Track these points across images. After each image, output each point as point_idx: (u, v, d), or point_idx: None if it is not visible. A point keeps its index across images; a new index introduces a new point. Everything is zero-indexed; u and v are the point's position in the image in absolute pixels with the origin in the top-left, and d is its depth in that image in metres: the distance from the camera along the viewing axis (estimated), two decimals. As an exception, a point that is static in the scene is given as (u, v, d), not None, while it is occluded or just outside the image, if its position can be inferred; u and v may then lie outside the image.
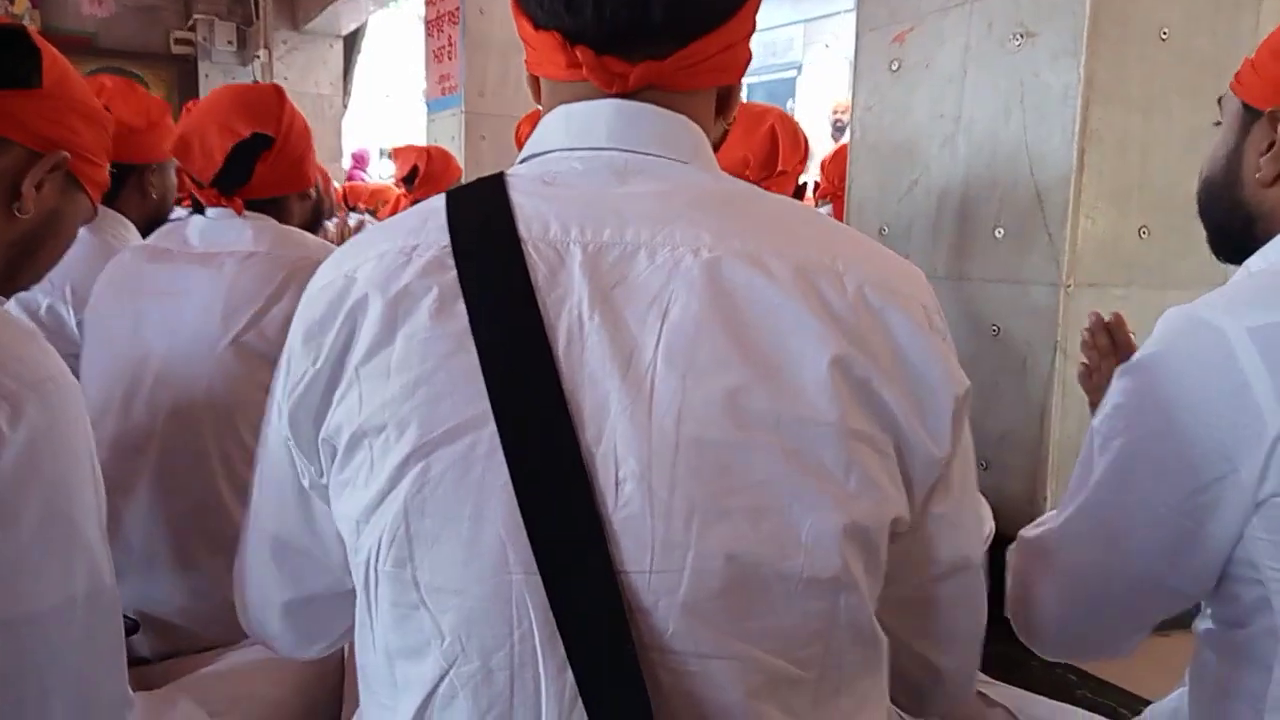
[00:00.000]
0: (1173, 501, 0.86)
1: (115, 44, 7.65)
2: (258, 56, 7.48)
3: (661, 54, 0.74)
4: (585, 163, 0.75)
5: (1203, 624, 0.95)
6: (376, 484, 0.67)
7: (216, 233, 1.52)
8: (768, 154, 2.06)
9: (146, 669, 1.37)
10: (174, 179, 2.19)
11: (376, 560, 0.68)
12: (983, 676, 1.26)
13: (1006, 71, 1.80)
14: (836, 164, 3.45)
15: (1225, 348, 0.82)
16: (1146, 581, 0.92)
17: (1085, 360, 1.34)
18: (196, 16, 7.72)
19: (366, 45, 8.40)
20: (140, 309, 1.46)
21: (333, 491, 0.73)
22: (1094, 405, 1.29)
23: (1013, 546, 1.06)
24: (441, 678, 0.68)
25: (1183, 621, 0.99)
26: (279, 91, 1.60)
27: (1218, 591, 0.90)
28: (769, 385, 0.66)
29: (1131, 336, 1.30)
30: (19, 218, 1.00)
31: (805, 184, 2.43)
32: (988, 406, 1.84)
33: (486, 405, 0.65)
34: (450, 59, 4.89)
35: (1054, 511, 1.03)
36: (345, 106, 8.25)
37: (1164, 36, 1.72)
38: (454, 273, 0.69)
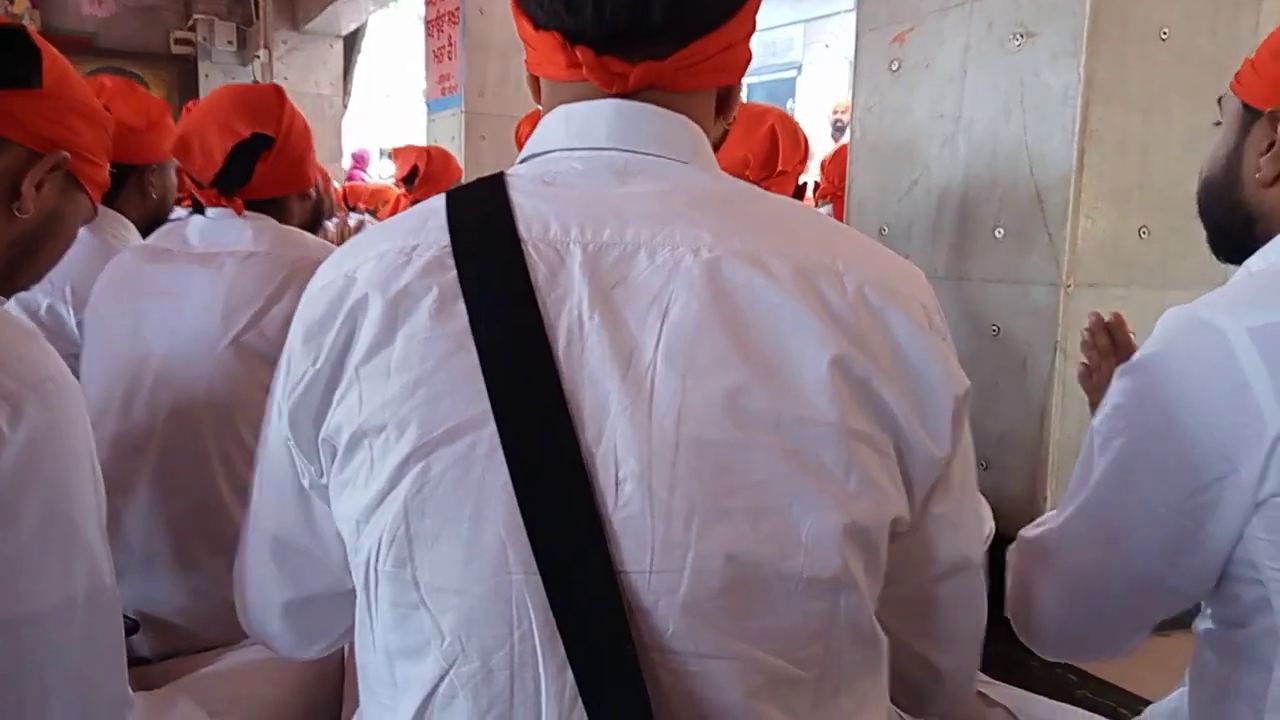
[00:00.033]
0: (1173, 501, 0.86)
1: (115, 44, 7.65)
2: (258, 56, 7.48)
3: (661, 54, 0.74)
4: (585, 163, 0.75)
5: (1203, 624, 0.95)
6: (376, 484, 0.67)
7: (216, 233, 1.52)
8: (768, 154, 2.06)
9: (146, 669, 1.37)
10: (174, 179, 2.19)
11: (376, 560, 0.68)
12: (983, 676, 1.26)
13: (1006, 71, 1.80)
14: (836, 164, 3.45)
15: (1225, 348, 0.82)
16: (1146, 581, 0.92)
17: (1085, 360, 1.34)
18: (196, 16, 7.72)
19: (366, 45, 8.40)
20: (140, 309, 1.46)
21: (333, 491, 0.73)
22: (1094, 405, 1.29)
23: (1012, 546, 1.06)
24: (441, 678, 0.68)
25: (1183, 621, 0.99)
26: (279, 91, 1.60)
27: (1218, 591, 0.90)
28: (769, 385, 0.66)
29: (1131, 337, 1.30)
30: (19, 218, 1.00)
31: (805, 184, 2.43)
32: (988, 406, 1.84)
33: (486, 405, 0.65)
34: (450, 59, 4.89)
35: (1054, 511, 1.03)
36: (345, 106, 8.25)
37: (1164, 36, 1.72)
38: (454, 273, 0.69)
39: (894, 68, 2.06)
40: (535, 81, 0.82)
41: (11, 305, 1.75)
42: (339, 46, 7.96)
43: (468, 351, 0.67)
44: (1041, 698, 1.23)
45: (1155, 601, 0.95)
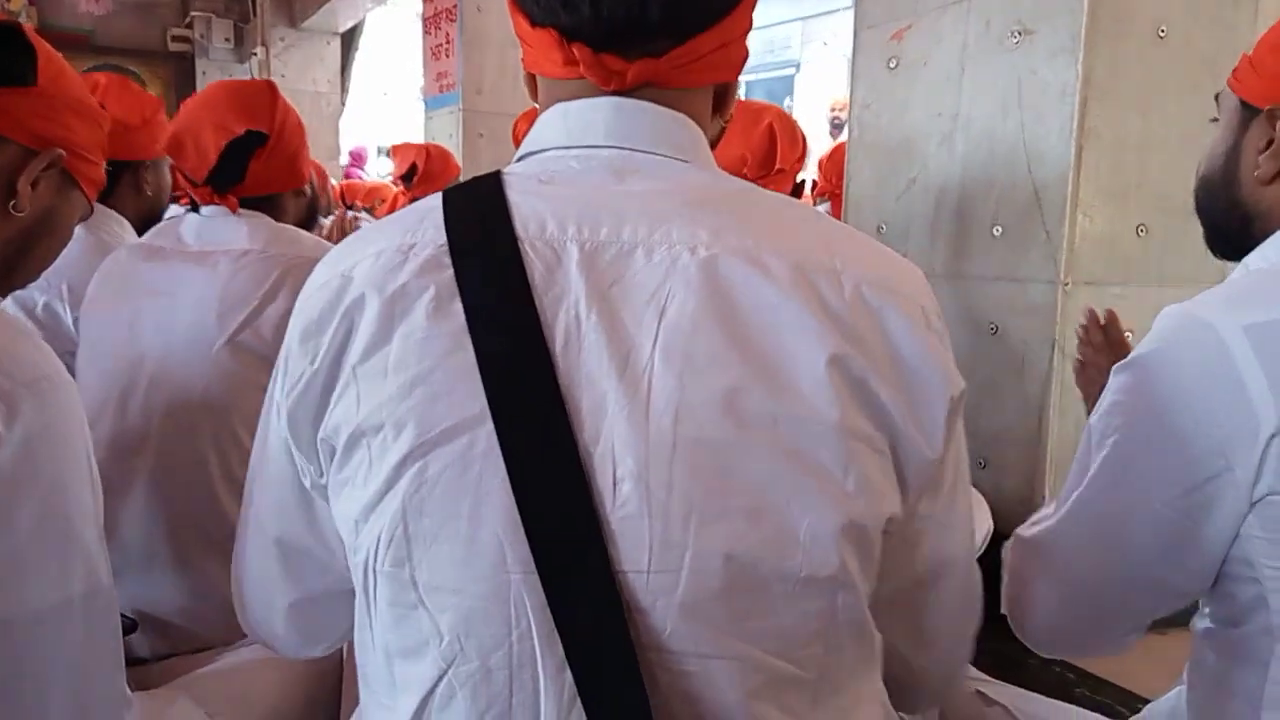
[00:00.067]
0: (1169, 499, 0.86)
1: (112, 41, 7.63)
2: (255, 54, 7.47)
3: (659, 51, 0.73)
4: (582, 161, 0.75)
5: (1200, 622, 0.95)
6: (374, 484, 0.67)
7: (211, 231, 1.51)
8: (766, 152, 2.06)
9: (144, 669, 1.37)
10: (168, 176, 2.18)
11: (375, 560, 0.68)
12: (981, 675, 1.26)
13: (1004, 69, 1.79)
14: (834, 162, 3.45)
15: (1220, 346, 0.82)
16: (1142, 580, 0.92)
17: (1080, 356, 1.34)
18: (194, 14, 7.71)
19: (364, 43, 8.39)
20: (135, 308, 1.46)
21: (331, 491, 0.73)
22: (1088, 400, 1.29)
23: (1009, 543, 1.06)
24: (440, 677, 0.68)
25: (1181, 620, 0.99)
26: (271, 87, 1.58)
27: (1214, 590, 0.90)
28: (766, 384, 0.65)
29: (1127, 336, 1.30)
30: (15, 216, 1.00)
31: (803, 182, 2.43)
32: (986, 405, 1.84)
33: (484, 404, 0.65)
34: (448, 56, 4.89)
35: (1049, 508, 1.03)
36: (343, 104, 8.23)
37: (1162, 34, 1.72)
38: (451, 271, 0.69)
39: (892, 65, 2.05)
40: (532, 79, 0.82)
41: (8, 304, 1.74)
42: (336, 44, 7.95)
43: (465, 351, 0.66)
44: (1040, 696, 1.23)
45: (1151, 599, 0.95)
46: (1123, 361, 0.92)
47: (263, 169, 1.53)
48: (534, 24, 0.75)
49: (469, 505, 0.65)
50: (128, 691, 0.93)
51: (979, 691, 1.20)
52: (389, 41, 10.04)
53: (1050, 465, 1.77)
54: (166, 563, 1.40)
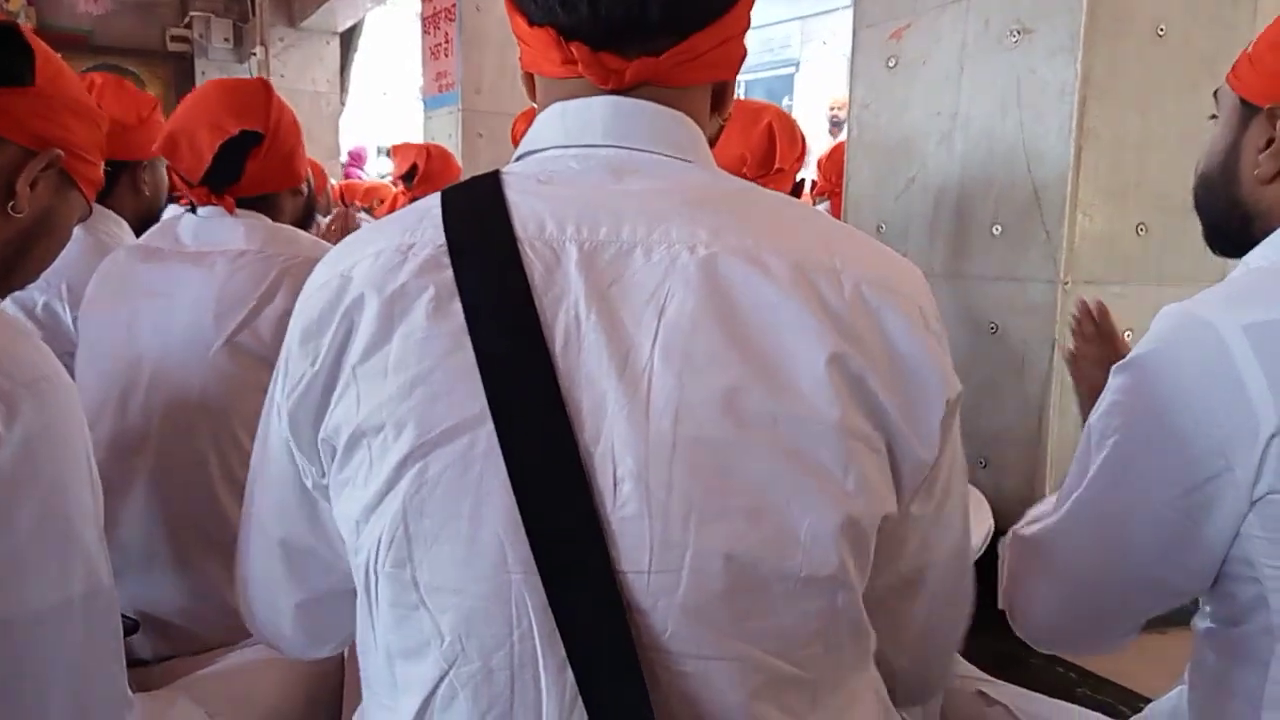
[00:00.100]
0: (1169, 499, 0.86)
1: (111, 41, 7.62)
2: (254, 54, 7.46)
3: (657, 50, 0.73)
4: (581, 161, 0.75)
5: (1201, 622, 0.95)
6: (375, 484, 0.67)
7: (208, 231, 1.50)
8: (765, 152, 2.06)
9: (145, 670, 1.37)
10: (165, 175, 2.18)
11: (376, 561, 0.68)
12: (983, 674, 1.26)
13: (1003, 68, 1.79)
14: (834, 161, 3.44)
15: (1220, 346, 0.82)
16: (1143, 580, 0.92)
17: (1072, 347, 1.34)
18: (193, 13, 7.70)
19: (363, 42, 8.38)
20: (133, 310, 1.45)
21: (333, 491, 0.73)
22: (1079, 391, 1.28)
23: (1006, 541, 1.06)
24: (442, 678, 0.68)
25: (1182, 619, 0.99)
26: (266, 86, 1.57)
27: (1215, 589, 0.90)
28: (766, 384, 0.65)
29: (1126, 335, 1.30)
30: (13, 217, 1.00)
31: (802, 181, 2.43)
32: (986, 404, 1.84)
33: (484, 405, 0.65)
34: (447, 56, 4.88)
35: (1044, 506, 1.03)
36: (342, 104, 8.23)
37: (1160, 33, 1.72)
38: (450, 271, 0.69)
39: (891, 65, 2.05)
40: (530, 78, 0.82)
41: (8, 304, 1.74)
42: (336, 43, 7.94)
43: (465, 351, 0.66)
44: (1041, 696, 1.23)
45: (1151, 599, 0.95)
46: (1122, 361, 0.92)
47: (259, 168, 1.52)
48: (532, 23, 0.75)
49: (469, 505, 0.65)
50: (129, 692, 0.93)
51: (980, 691, 1.20)
52: (388, 41, 10.04)
53: (1050, 465, 1.77)
54: (167, 564, 1.40)
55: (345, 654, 1.31)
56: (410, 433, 0.66)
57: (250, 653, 1.35)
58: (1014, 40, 1.76)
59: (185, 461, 1.40)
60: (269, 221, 1.53)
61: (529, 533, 0.64)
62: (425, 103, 5.21)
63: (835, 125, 6.61)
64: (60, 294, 1.93)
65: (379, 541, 0.68)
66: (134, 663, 1.30)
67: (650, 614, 0.65)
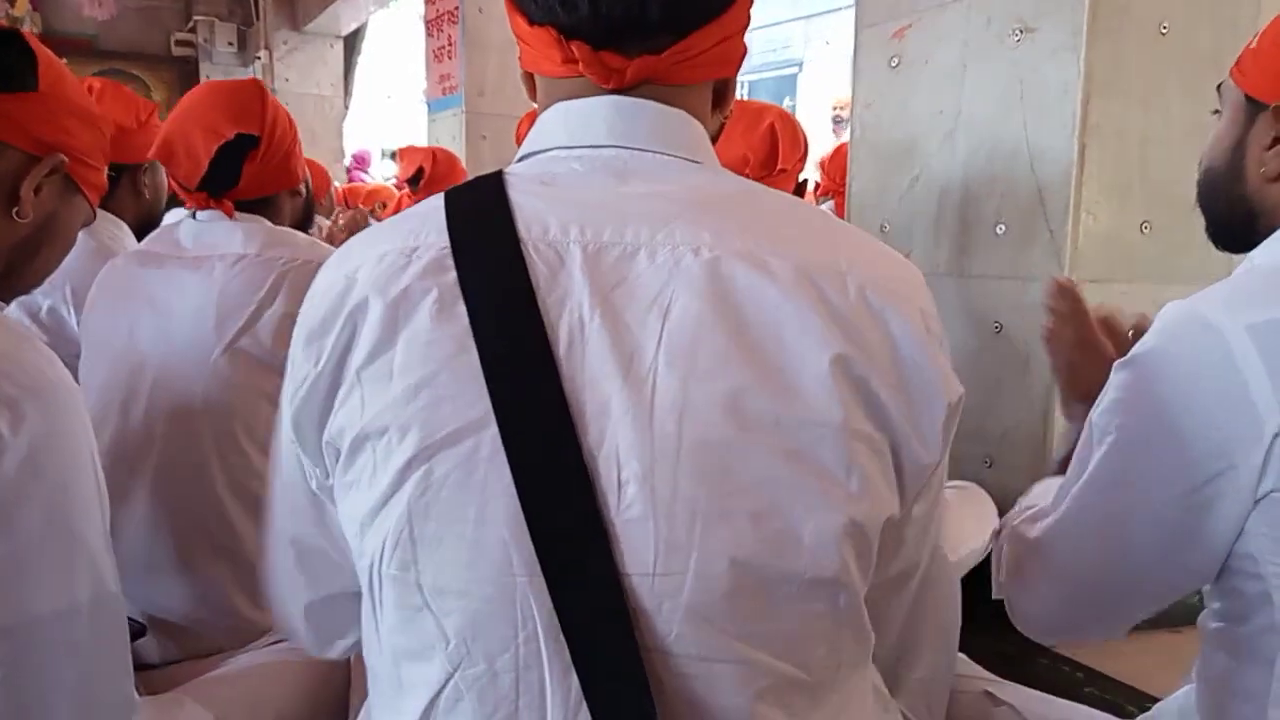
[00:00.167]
0: (1169, 499, 0.86)
1: (116, 46, 7.64)
2: (258, 57, 7.47)
3: (658, 48, 0.73)
4: (584, 162, 0.75)
5: (1207, 621, 0.94)
6: (379, 487, 0.67)
7: (207, 235, 1.50)
8: (768, 152, 2.06)
9: (152, 673, 1.38)
10: (165, 178, 2.17)
11: (380, 563, 0.69)
12: (989, 675, 1.26)
13: (1006, 67, 1.79)
14: (837, 161, 3.44)
15: (1223, 347, 0.81)
16: (1144, 579, 0.92)
17: (1047, 325, 1.32)
18: (197, 18, 7.72)
19: (367, 46, 8.39)
20: (134, 315, 1.46)
21: (338, 494, 0.73)
22: (1055, 371, 1.27)
23: (1003, 534, 1.06)
24: (447, 680, 0.68)
25: (1189, 618, 0.99)
26: (259, 87, 1.56)
27: (1220, 585, 0.90)
28: (770, 386, 0.65)
29: (1130, 334, 1.29)
30: (18, 222, 1.00)
31: (805, 181, 2.42)
32: (990, 403, 1.83)
33: (488, 407, 0.65)
34: (450, 58, 4.89)
35: (1040, 500, 1.03)
36: (346, 107, 8.24)
37: (1164, 30, 1.72)
38: (454, 274, 0.69)
39: (893, 64, 2.05)
40: (530, 78, 0.82)
41: (12, 308, 1.75)
42: (339, 47, 7.95)
43: (469, 353, 0.66)
44: (1048, 695, 1.23)
45: (1151, 596, 0.95)
46: (1124, 358, 0.91)
47: (256, 171, 1.52)
48: (532, 22, 0.75)
49: (474, 508, 0.65)
50: (136, 696, 0.93)
51: (987, 692, 1.20)
52: (392, 44, 10.05)
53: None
54: (171, 569, 1.40)
55: (351, 657, 1.31)
56: (415, 436, 0.66)
57: (257, 655, 1.36)
58: (1016, 39, 1.76)
59: (188, 467, 1.40)
60: (268, 224, 1.53)
61: (533, 535, 0.65)
62: (429, 105, 5.22)
63: (838, 125, 6.61)
64: (65, 297, 1.93)
65: (383, 544, 0.68)
66: (141, 666, 1.30)
67: (655, 616, 0.65)
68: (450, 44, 4.87)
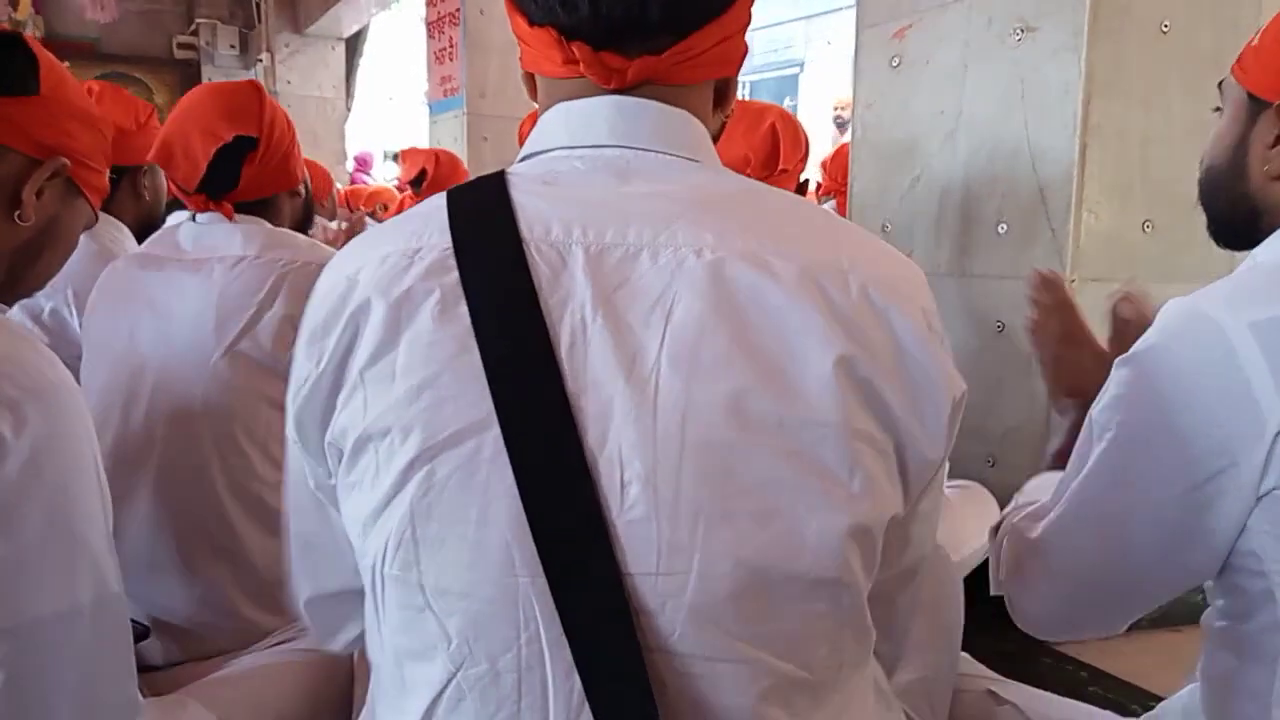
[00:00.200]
0: (1170, 498, 0.86)
1: (118, 49, 7.65)
2: (260, 60, 7.49)
3: (658, 48, 0.73)
4: (586, 162, 0.75)
5: (1211, 619, 0.94)
6: (382, 488, 0.67)
7: (207, 237, 1.50)
8: (769, 153, 2.06)
9: (156, 675, 1.38)
10: (164, 180, 2.17)
11: (383, 563, 0.69)
12: (992, 674, 1.26)
13: (1007, 67, 1.79)
14: (839, 161, 3.44)
15: (1225, 344, 0.81)
16: (1145, 578, 0.92)
17: (1031, 316, 1.32)
18: (199, 21, 7.74)
19: (368, 48, 8.40)
20: (134, 318, 1.46)
21: (340, 494, 0.73)
22: (1041, 363, 1.27)
23: (1002, 531, 1.06)
24: (449, 680, 0.68)
25: (1193, 618, 0.99)
26: (257, 88, 1.56)
27: (1223, 581, 0.89)
28: (772, 387, 0.65)
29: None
30: (20, 225, 1.00)
31: (806, 181, 2.42)
32: (993, 403, 1.83)
33: (490, 408, 0.65)
34: (451, 60, 4.89)
35: (1035, 486, 1.03)
36: (348, 109, 8.25)
37: (1165, 29, 1.72)
38: (456, 274, 0.69)
39: (894, 64, 2.05)
40: (531, 79, 0.82)
41: (14, 311, 1.75)
42: (341, 49, 7.96)
43: (471, 353, 0.66)
44: (1051, 695, 1.23)
45: (1151, 594, 0.95)
46: (1125, 355, 0.91)
47: (255, 173, 1.51)
48: (532, 23, 0.75)
49: (476, 509, 0.65)
50: (139, 697, 0.93)
51: (990, 691, 1.20)
52: (393, 46, 10.06)
53: (1058, 462, 1.76)
54: (173, 571, 1.40)
55: (355, 657, 1.31)
56: (417, 436, 0.66)
57: (260, 657, 1.36)
58: (1017, 39, 1.76)
59: (189, 469, 1.40)
60: (267, 226, 1.53)
61: (535, 536, 0.65)
62: (430, 107, 5.23)
63: (840, 125, 6.61)
64: (67, 299, 1.94)
65: (386, 545, 0.68)
66: (145, 668, 1.30)
67: (658, 616, 0.65)
68: (451, 46, 4.88)
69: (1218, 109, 1.03)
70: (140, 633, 1.35)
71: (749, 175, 1.97)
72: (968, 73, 1.88)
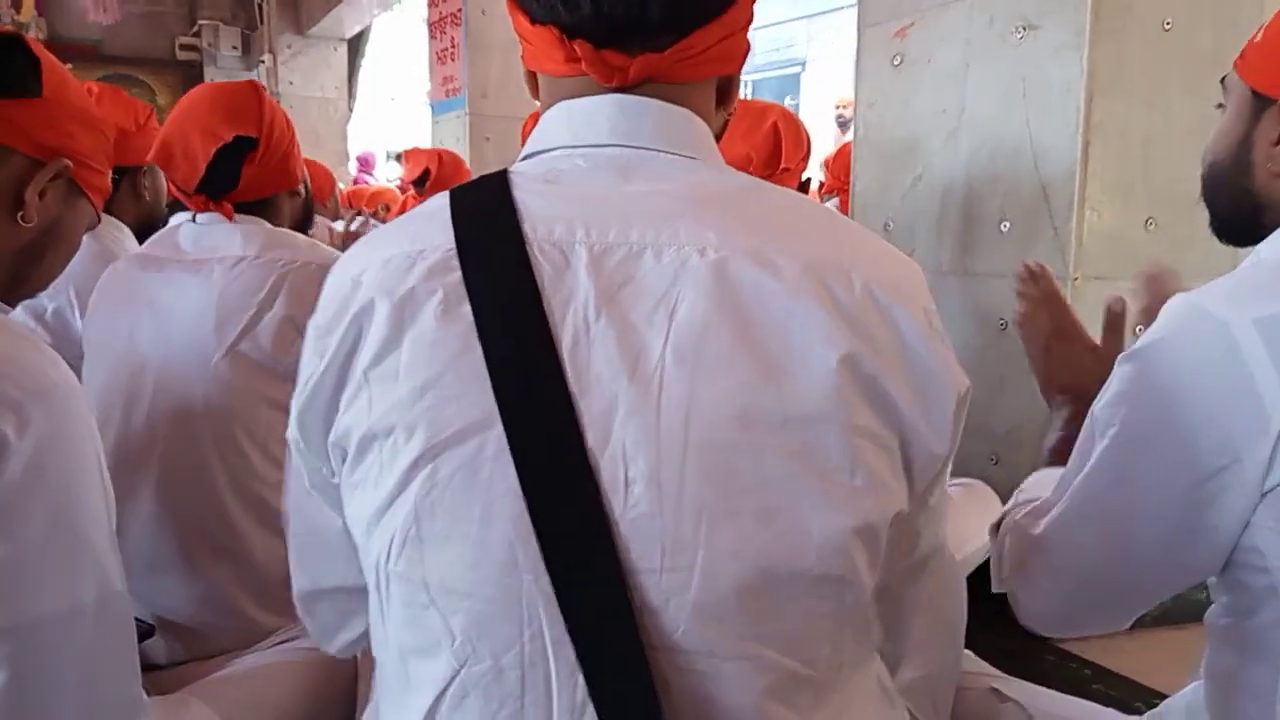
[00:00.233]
0: (1173, 495, 0.85)
1: (121, 51, 7.67)
2: (262, 61, 7.50)
3: (660, 46, 0.73)
4: (588, 160, 0.75)
5: (1214, 616, 0.94)
6: (386, 486, 0.68)
7: (207, 238, 1.50)
8: (771, 151, 2.06)
9: (160, 674, 1.38)
10: (164, 181, 2.17)
11: (387, 561, 0.69)
12: (995, 671, 1.25)
13: (1009, 65, 1.79)
14: (842, 159, 3.44)
15: (1228, 340, 0.81)
16: (1147, 575, 0.92)
17: (1020, 309, 1.31)
18: (201, 22, 7.75)
19: (370, 49, 8.41)
20: (135, 319, 1.46)
21: (344, 493, 0.73)
22: (1030, 355, 1.27)
23: (1004, 527, 1.06)
24: (453, 677, 0.68)
25: (1197, 615, 0.99)
26: (256, 89, 1.55)
27: (1226, 580, 0.89)
28: (776, 385, 0.65)
29: (1139, 329, 1.29)
30: (23, 226, 1.00)
31: (808, 180, 2.42)
32: (996, 401, 1.83)
33: (493, 407, 0.65)
34: (453, 60, 4.90)
35: (1035, 482, 1.02)
36: (350, 110, 8.26)
37: (1167, 28, 1.71)
38: (459, 274, 0.69)
39: (896, 63, 2.05)
40: (533, 77, 0.82)
41: (17, 311, 1.75)
42: (343, 50, 7.96)
43: (474, 352, 0.67)
44: (1055, 692, 1.23)
45: (1154, 591, 0.95)
46: (1128, 351, 0.91)
47: (255, 173, 1.51)
48: (534, 21, 0.75)
49: (479, 507, 0.65)
50: (143, 696, 0.93)
51: (993, 688, 1.20)
52: (395, 47, 10.07)
53: (1062, 461, 1.76)
54: (176, 571, 1.40)
55: (358, 657, 1.31)
56: (421, 435, 0.66)
57: (263, 656, 1.36)
58: (1019, 37, 1.76)
59: (190, 469, 1.40)
60: (267, 226, 1.53)
61: (538, 534, 0.65)
62: (432, 108, 5.23)
63: (842, 124, 6.61)
64: (70, 300, 1.94)
65: (390, 543, 0.68)
66: (149, 667, 1.30)
67: (662, 614, 0.65)
68: (453, 46, 4.88)
69: (1220, 105, 1.03)
70: (145, 631, 1.35)
71: (751, 174, 1.98)
72: (969, 71, 1.87)
